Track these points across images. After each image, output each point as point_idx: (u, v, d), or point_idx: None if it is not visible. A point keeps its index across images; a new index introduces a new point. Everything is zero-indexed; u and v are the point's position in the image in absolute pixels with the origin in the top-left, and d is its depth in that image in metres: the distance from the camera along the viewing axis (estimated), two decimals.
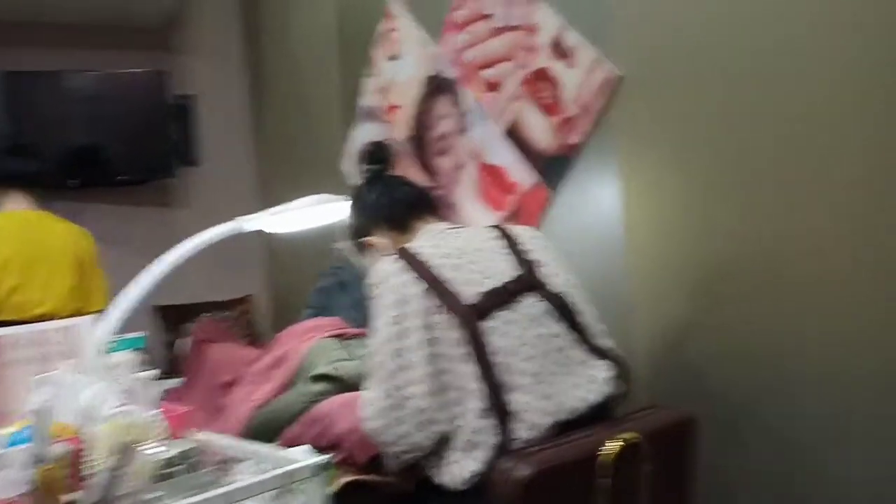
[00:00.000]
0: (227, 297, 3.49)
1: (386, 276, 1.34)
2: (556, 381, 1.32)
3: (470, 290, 1.32)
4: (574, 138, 1.95)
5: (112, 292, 1.82)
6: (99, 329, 1.47)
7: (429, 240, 1.43)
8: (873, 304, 1.40)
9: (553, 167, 2.01)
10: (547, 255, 1.45)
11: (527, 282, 1.38)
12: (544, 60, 2.01)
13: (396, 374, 1.27)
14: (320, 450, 1.27)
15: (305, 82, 3.23)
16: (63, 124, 3.35)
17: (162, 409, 1.21)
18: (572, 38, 1.94)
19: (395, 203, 1.54)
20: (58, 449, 1.07)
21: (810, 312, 1.50)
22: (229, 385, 1.74)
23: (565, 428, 1.29)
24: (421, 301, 1.30)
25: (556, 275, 1.42)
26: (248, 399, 1.60)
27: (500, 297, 1.34)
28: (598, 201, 1.92)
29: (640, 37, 1.79)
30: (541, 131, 2.04)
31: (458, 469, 1.26)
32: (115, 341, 1.45)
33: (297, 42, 3.26)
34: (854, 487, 1.46)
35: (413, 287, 1.31)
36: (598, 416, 1.34)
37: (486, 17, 2.19)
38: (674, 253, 1.75)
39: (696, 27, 1.66)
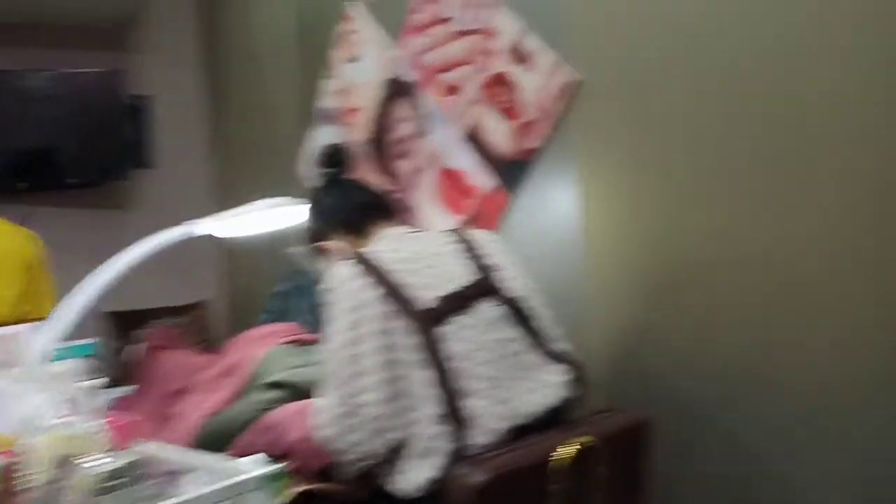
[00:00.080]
0: (181, 302, 3.41)
1: (342, 280, 1.32)
2: (513, 386, 1.31)
3: (427, 294, 1.31)
4: (533, 142, 1.95)
5: (62, 298, 1.77)
6: (41, 336, 1.42)
7: (386, 244, 1.42)
8: (834, 309, 1.42)
9: (512, 171, 2.01)
10: (504, 259, 1.45)
11: (484, 286, 1.37)
12: (503, 65, 2.01)
13: (350, 380, 1.25)
14: (273, 458, 1.25)
15: (264, 83, 3.19)
16: (12, 125, 3.24)
17: (108, 419, 1.17)
18: (531, 43, 1.94)
19: (352, 207, 1.53)
20: None
21: (769, 317, 1.51)
22: (181, 393, 1.69)
23: (522, 432, 1.28)
24: (377, 306, 1.28)
25: (513, 279, 1.42)
26: (200, 407, 1.56)
27: (457, 302, 1.33)
28: (557, 205, 1.92)
29: (599, 41, 1.79)
30: (500, 135, 2.04)
31: (414, 476, 1.24)
32: (64, 348, 1.41)
33: (256, 42, 3.22)
34: (810, 493, 1.48)
35: (369, 292, 1.29)
36: (555, 419, 1.34)
37: (445, 20, 2.18)
38: (632, 257, 1.76)
39: (656, 32, 1.68)
